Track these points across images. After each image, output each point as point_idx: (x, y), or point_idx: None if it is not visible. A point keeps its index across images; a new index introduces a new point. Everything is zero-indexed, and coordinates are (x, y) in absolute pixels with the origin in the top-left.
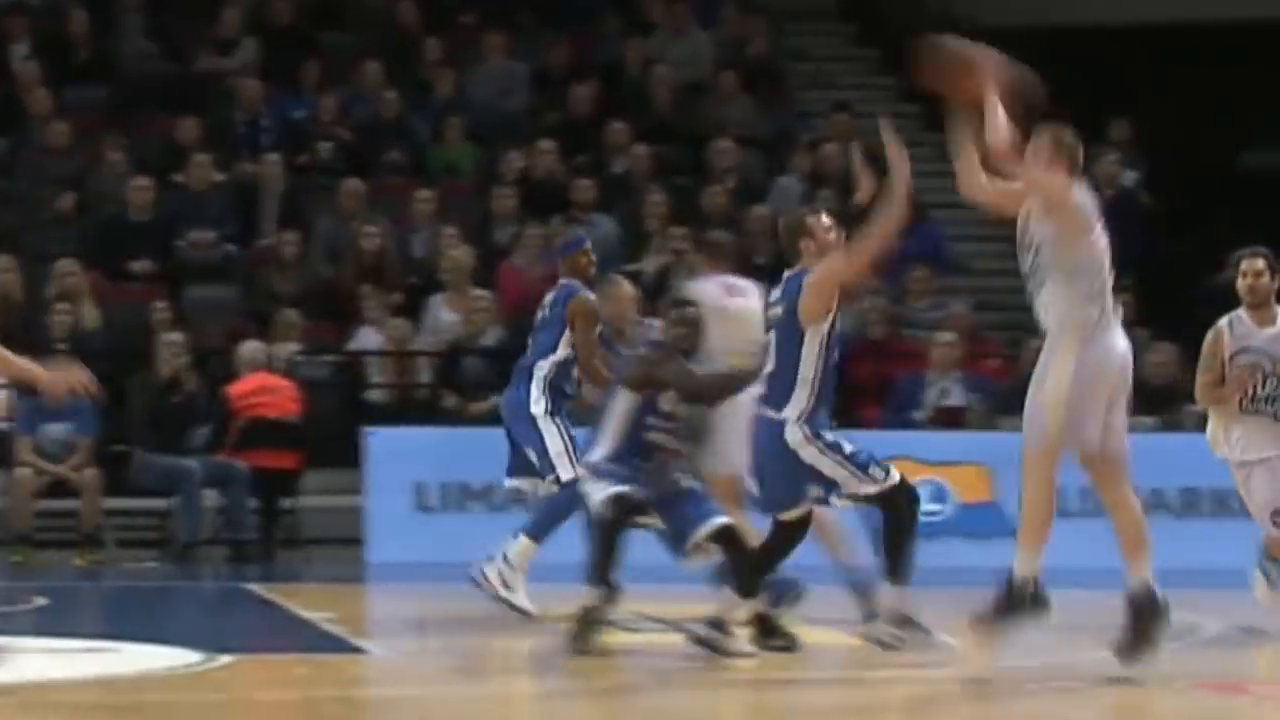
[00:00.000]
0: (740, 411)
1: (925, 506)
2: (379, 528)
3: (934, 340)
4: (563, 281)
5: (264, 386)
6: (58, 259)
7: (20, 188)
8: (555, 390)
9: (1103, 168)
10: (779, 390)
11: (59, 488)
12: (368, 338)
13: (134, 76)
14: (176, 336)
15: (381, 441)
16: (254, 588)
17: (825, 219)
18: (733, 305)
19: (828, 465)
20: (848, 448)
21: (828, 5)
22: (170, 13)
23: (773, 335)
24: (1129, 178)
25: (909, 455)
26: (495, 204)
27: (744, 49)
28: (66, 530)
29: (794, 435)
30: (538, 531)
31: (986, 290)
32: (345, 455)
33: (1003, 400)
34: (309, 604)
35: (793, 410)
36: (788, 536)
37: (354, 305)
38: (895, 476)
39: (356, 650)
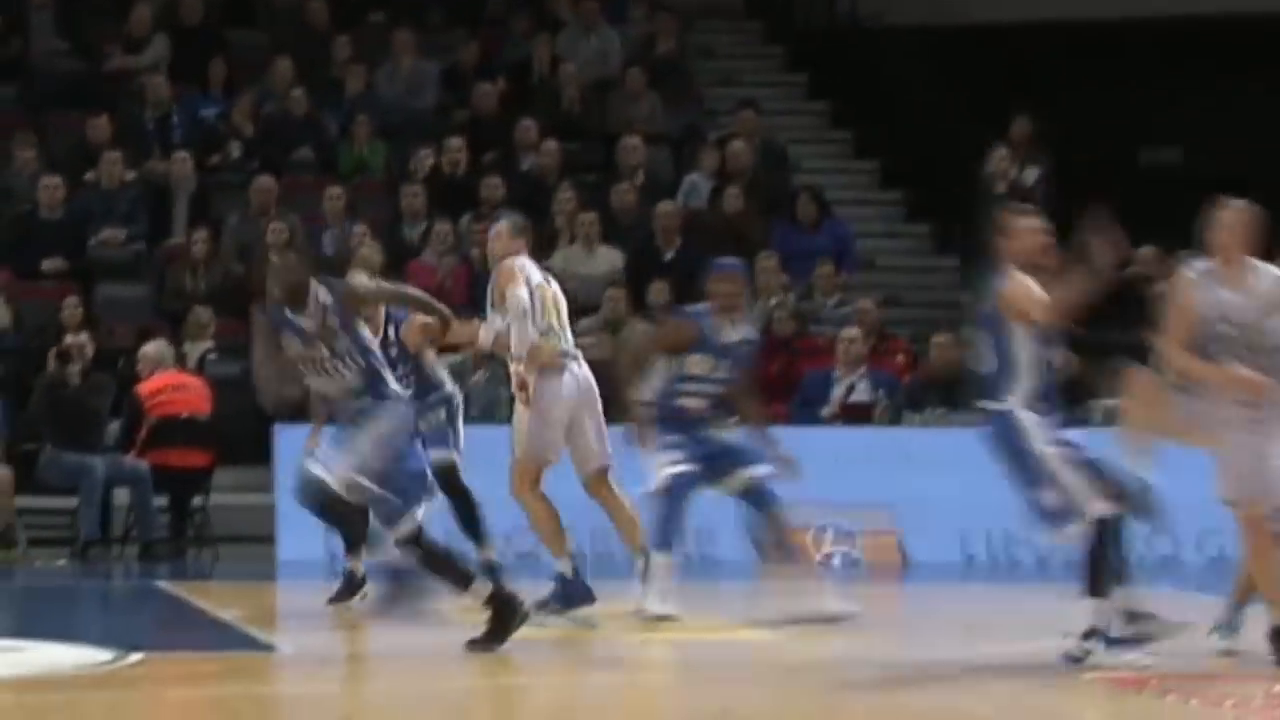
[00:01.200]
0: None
1: None
2: (289, 525)
3: (840, 336)
4: None
5: (175, 384)
6: None
7: None
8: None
9: (998, 164)
10: (1000, 384)
11: None
12: None
13: (45, 75)
14: (83, 337)
15: (292, 439)
16: (164, 585)
17: (1027, 221)
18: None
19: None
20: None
21: (735, 4)
22: (81, 11)
23: (985, 332)
24: (1031, 174)
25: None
26: (405, 201)
27: (652, 47)
28: None
29: (1027, 419)
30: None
31: (892, 287)
32: (256, 453)
33: (908, 395)
34: (219, 601)
35: (1016, 398)
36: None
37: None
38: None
39: (266, 647)
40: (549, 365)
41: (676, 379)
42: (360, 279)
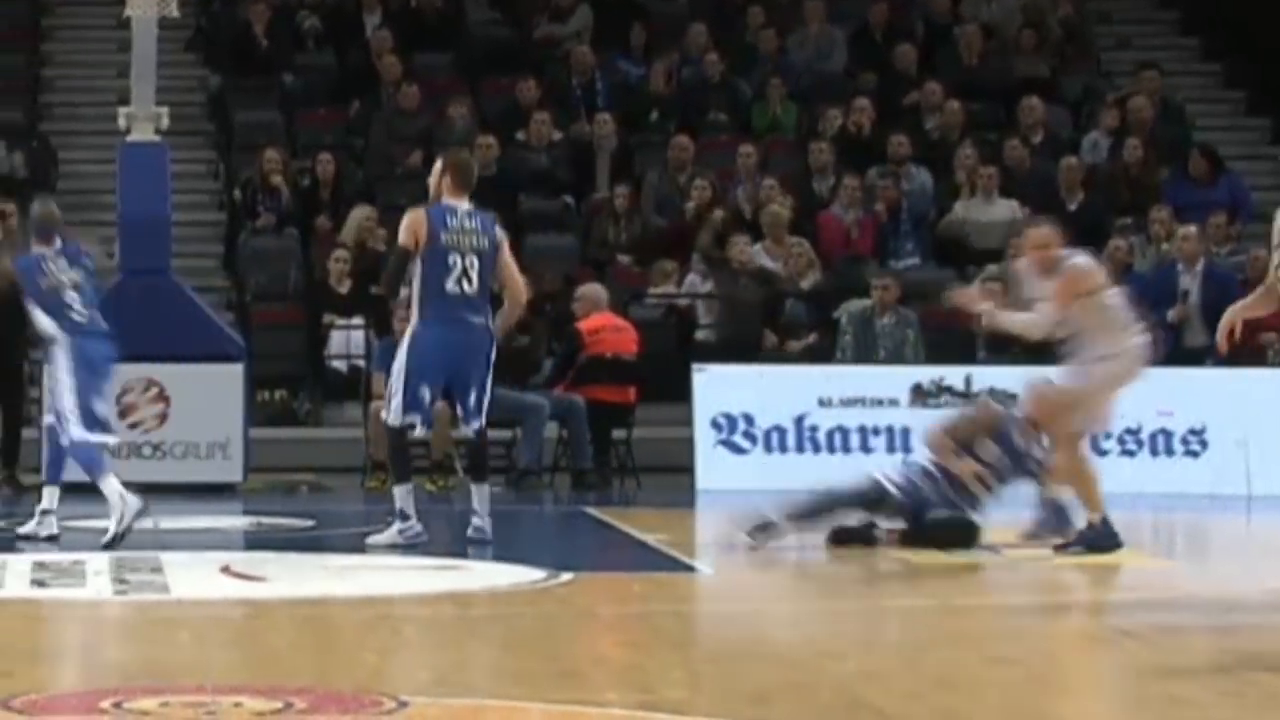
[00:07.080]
0: None
1: None
2: (707, 457)
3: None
4: None
5: (611, 325)
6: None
7: (374, 146)
8: None
9: None
10: None
11: None
12: (698, 283)
13: (478, 43)
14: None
15: (708, 379)
16: (592, 511)
17: None
18: None
19: None
20: None
21: None
22: None
23: None
24: None
25: None
26: (813, 158)
27: (1053, 12)
28: (418, 458)
29: None
30: None
31: None
32: (677, 390)
33: None
34: (643, 526)
35: None
36: None
37: (684, 252)
38: None
39: (689, 569)
40: None
41: None
42: None
